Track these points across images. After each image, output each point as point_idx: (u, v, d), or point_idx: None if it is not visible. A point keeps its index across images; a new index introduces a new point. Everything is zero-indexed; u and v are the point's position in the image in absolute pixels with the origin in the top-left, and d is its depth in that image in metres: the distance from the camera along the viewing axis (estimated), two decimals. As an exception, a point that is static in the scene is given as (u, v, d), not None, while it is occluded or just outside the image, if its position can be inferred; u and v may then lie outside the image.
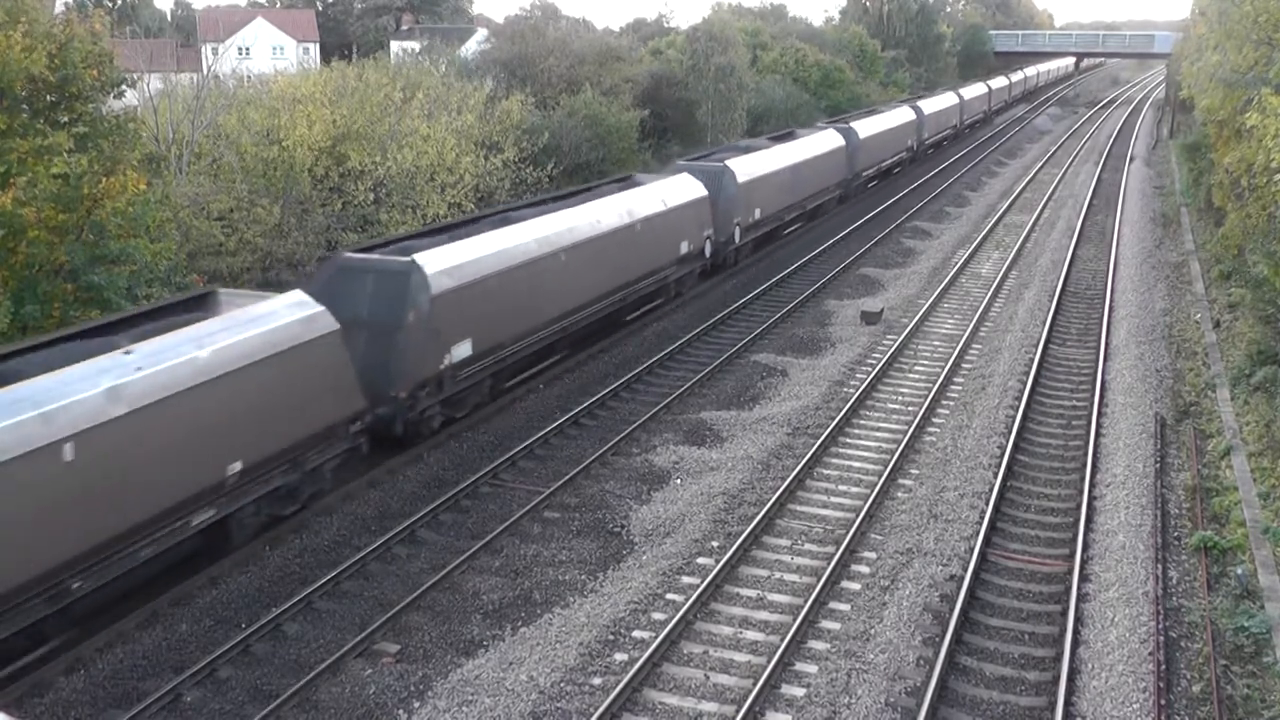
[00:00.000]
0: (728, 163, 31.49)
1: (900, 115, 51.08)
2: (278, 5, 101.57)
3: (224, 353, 14.42)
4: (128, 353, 13.61)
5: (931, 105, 56.90)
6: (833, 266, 33.38)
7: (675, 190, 28.08)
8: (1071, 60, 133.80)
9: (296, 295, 16.64)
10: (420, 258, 18.55)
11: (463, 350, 19.20)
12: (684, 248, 28.03)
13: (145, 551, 13.64)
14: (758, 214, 32.72)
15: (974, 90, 68.66)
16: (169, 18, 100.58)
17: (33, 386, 12.39)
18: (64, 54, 17.56)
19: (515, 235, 21.34)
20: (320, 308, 16.38)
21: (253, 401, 14.81)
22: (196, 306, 16.15)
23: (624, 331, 23.88)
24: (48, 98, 17.75)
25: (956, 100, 63.12)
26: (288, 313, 15.89)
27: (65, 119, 18.05)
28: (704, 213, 29.05)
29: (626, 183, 28.36)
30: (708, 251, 29.72)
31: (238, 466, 14.72)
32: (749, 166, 32.26)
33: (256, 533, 15.78)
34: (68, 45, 17.64)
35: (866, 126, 44.72)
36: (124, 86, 19.80)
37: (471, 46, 63.58)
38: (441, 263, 18.86)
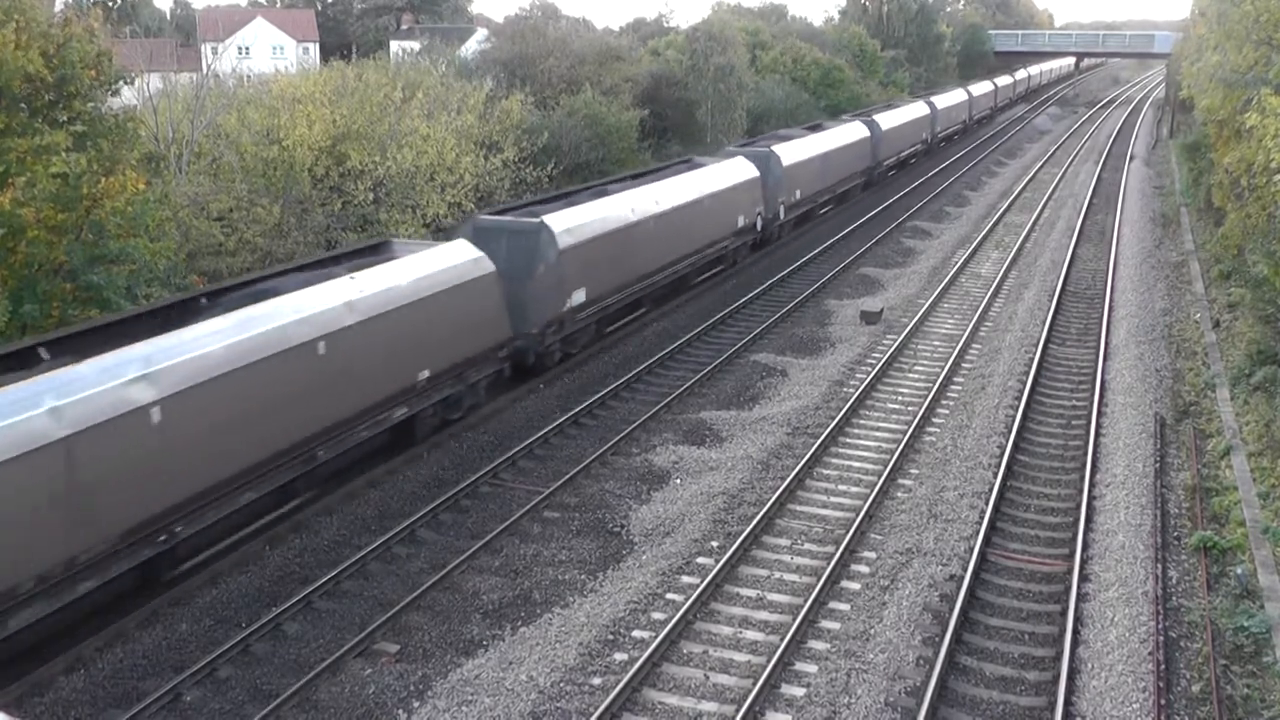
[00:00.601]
0: (773, 148, 35.13)
1: (916, 110, 54.76)
2: (278, 5, 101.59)
3: (419, 283, 18.32)
4: (352, 278, 17.34)
5: (943, 101, 60.63)
6: (833, 266, 33.38)
7: (732, 171, 31.72)
8: (1071, 60, 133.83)
9: (463, 243, 20.39)
10: (548, 219, 22.36)
11: (579, 297, 23.12)
12: (740, 221, 31.83)
13: (364, 433, 17.36)
14: (798, 195, 36.60)
15: (982, 88, 72.65)
16: (169, 17, 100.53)
17: (295, 298, 16.23)
18: (62, 54, 17.55)
19: (615, 204, 25.15)
20: (482, 253, 20.15)
21: (436, 323, 18.48)
22: (378, 251, 20.05)
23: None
24: (46, 97, 17.73)
25: (966, 97, 66.99)
26: (458, 256, 19.76)
27: (64, 118, 18.03)
28: (756, 192, 32.76)
29: (690, 164, 32.00)
30: (758, 226, 33.44)
31: (425, 374, 18.52)
32: (791, 152, 35.92)
33: (431, 433, 19.27)
34: (66, 45, 17.63)
35: (888, 119, 48.48)
36: (121, 84, 19.77)
37: (471, 46, 63.58)
38: (564, 224, 22.67)
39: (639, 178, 29.28)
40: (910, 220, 41.50)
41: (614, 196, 25.59)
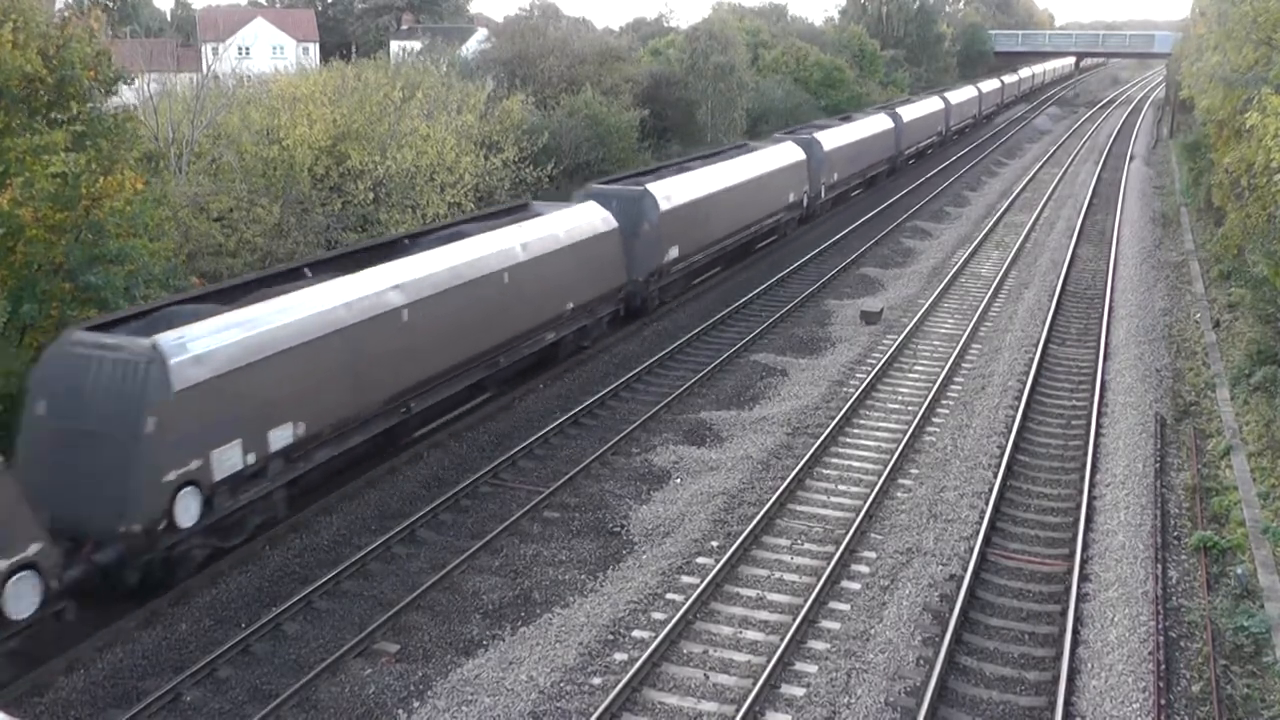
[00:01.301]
0: (815, 135, 39.99)
1: (932, 104, 59.69)
2: (278, 5, 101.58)
3: (569, 232, 23.07)
4: (520, 227, 22.08)
5: (956, 97, 66.27)
6: (833, 266, 33.39)
7: (782, 154, 36.06)
8: (1071, 60, 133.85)
9: (593, 204, 25.20)
10: (650, 186, 26.92)
11: (673, 253, 27.54)
12: (790, 198, 36.36)
13: (527, 349, 21.75)
14: (835, 177, 41.27)
15: (990, 84, 78.94)
16: (169, 17, 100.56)
17: (483, 239, 20.89)
18: (62, 54, 17.54)
19: (699, 177, 29.75)
20: (609, 212, 24.94)
21: (579, 265, 23.01)
22: (524, 209, 24.79)
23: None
24: (44, 97, 17.72)
25: (976, 93, 72.36)
26: (592, 214, 24.65)
27: (63, 118, 18.00)
28: (802, 172, 37.26)
29: (744, 148, 36.22)
30: (804, 203, 38.13)
31: (570, 305, 22.95)
32: (830, 139, 40.70)
33: (568, 356, 23.80)
34: (66, 45, 17.62)
35: (909, 112, 53.15)
36: (120, 84, 19.75)
37: (471, 46, 63.59)
38: (663, 191, 27.09)
39: (708, 158, 33.63)
40: (910, 220, 41.51)
41: (696, 171, 30.27)
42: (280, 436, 15.37)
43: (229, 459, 14.52)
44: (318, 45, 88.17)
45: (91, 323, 15.03)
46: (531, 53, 45.36)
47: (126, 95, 24.43)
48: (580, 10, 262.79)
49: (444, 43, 54.29)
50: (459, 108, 33.97)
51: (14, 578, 11.94)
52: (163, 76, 30.99)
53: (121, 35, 39.64)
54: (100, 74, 18.46)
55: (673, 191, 27.54)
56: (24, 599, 12.06)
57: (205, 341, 14.37)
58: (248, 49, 77.28)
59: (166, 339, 13.96)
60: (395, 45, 74.04)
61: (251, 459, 14.91)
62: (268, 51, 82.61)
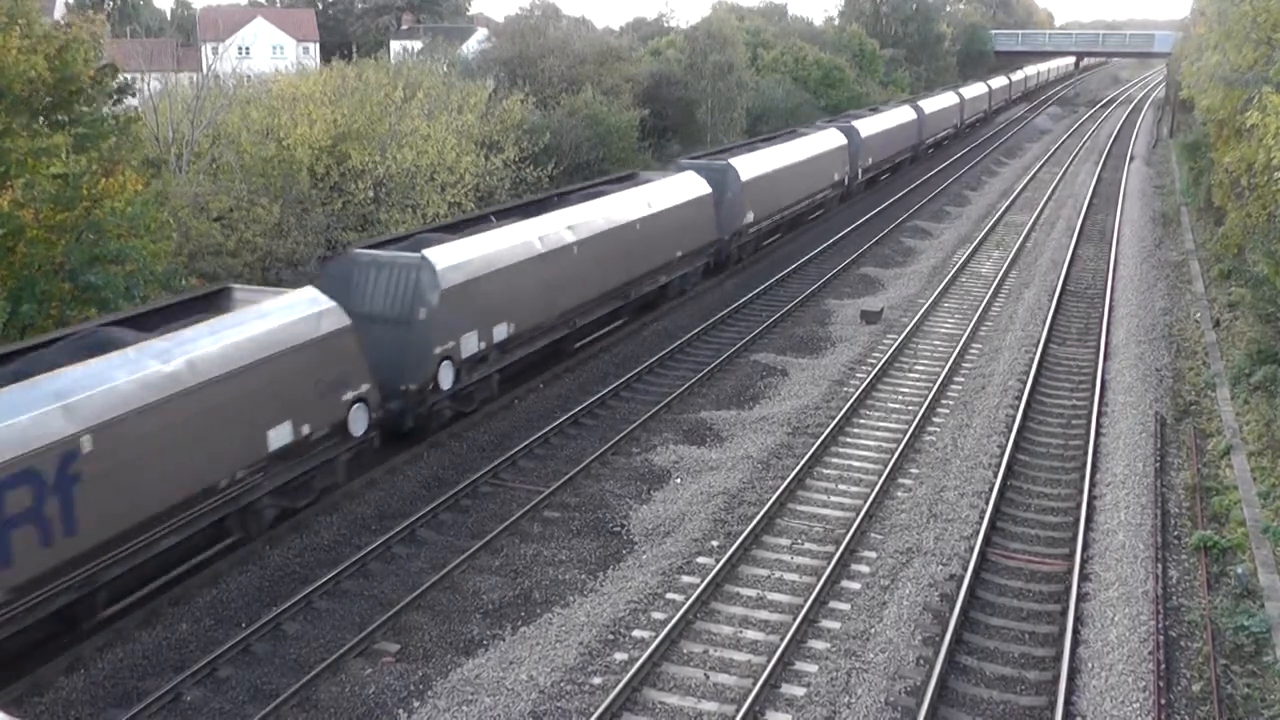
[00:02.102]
0: (854, 123, 44.80)
1: (948, 99, 64.88)
2: (278, 5, 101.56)
3: (679, 194, 28.20)
4: (641, 189, 27.16)
5: (970, 92, 71.76)
6: (833, 266, 33.39)
7: (828, 139, 40.91)
8: (1071, 60, 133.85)
9: (692, 174, 29.79)
10: (733, 161, 31.77)
11: (749, 217, 32.40)
12: (835, 177, 41.37)
13: (648, 285, 26.62)
14: (870, 160, 46.02)
15: (998, 81, 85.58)
16: (169, 17, 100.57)
17: (619, 196, 25.86)
18: (64, 56, 17.55)
19: (767, 155, 34.75)
20: (705, 180, 29.57)
21: (683, 221, 27.98)
22: (634, 178, 29.59)
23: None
24: (46, 99, 17.73)
25: (986, 89, 78.21)
26: (691, 182, 29.38)
27: (65, 119, 18.03)
28: (843, 156, 41.99)
29: (795, 133, 41.50)
30: (846, 182, 42.84)
31: (679, 254, 27.80)
32: (866, 128, 45.45)
33: (674, 296, 28.44)
34: (68, 48, 17.62)
35: (929, 105, 58.52)
36: (124, 94, 19.79)
37: (472, 46, 63.59)
38: (743, 165, 31.98)
39: (769, 140, 39.44)
40: (910, 220, 41.52)
41: (764, 150, 35.40)
42: (500, 332, 20.55)
43: (470, 344, 19.68)
44: (318, 45, 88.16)
45: (367, 242, 20.95)
46: (532, 52, 45.38)
47: (127, 97, 24.44)
48: (580, 10, 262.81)
49: (444, 42, 54.30)
50: (459, 107, 33.98)
51: (355, 405, 16.90)
52: (163, 76, 31.00)
53: (122, 35, 39.64)
54: (102, 79, 18.48)
55: (750, 166, 32.48)
56: (359, 422, 17.12)
57: (454, 258, 19.33)
58: (248, 49, 77.29)
59: (432, 253, 18.93)
60: (395, 45, 74.08)
61: (482, 345, 20.06)
62: (268, 51, 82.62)
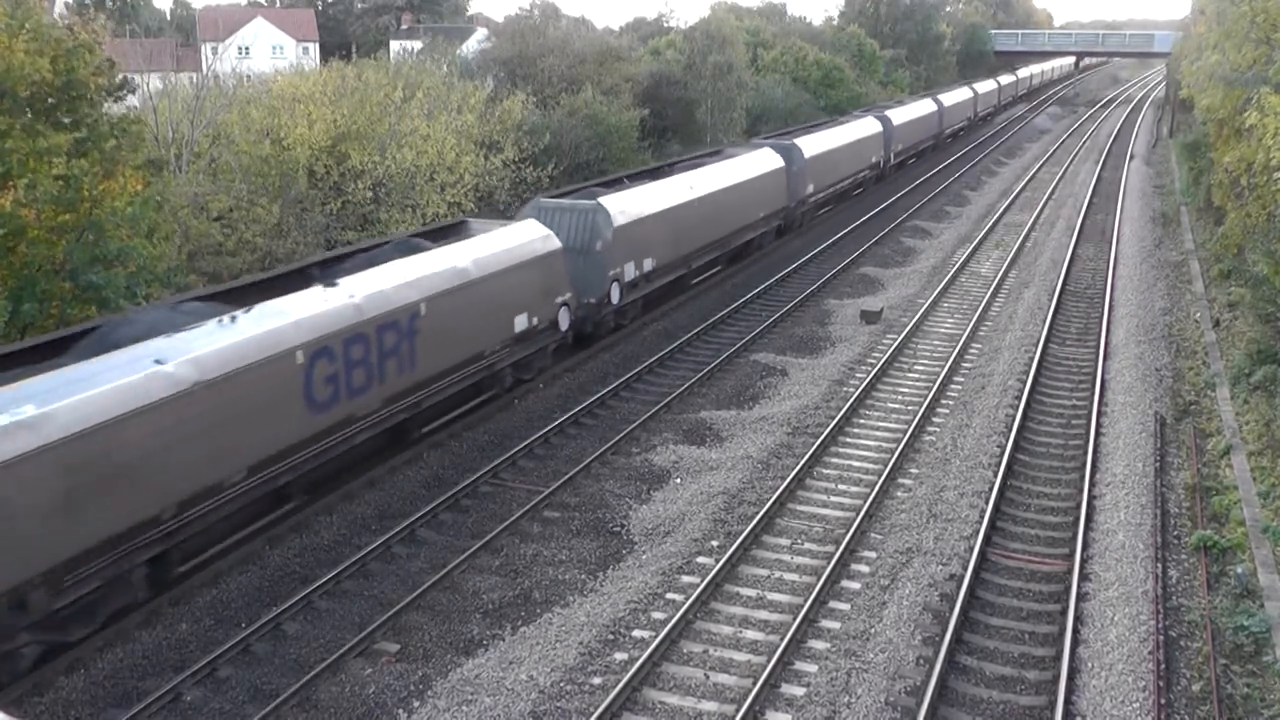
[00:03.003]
0: (887, 113, 50.74)
1: (963, 93, 70.81)
2: (277, 5, 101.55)
3: (757, 168, 33.42)
4: (735, 161, 32.99)
5: (982, 88, 77.83)
6: (833, 266, 33.40)
7: (867, 126, 47.12)
8: (1071, 60, 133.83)
9: (768, 149, 35.28)
10: (798, 142, 37.49)
11: (811, 188, 38.34)
12: (873, 159, 47.28)
13: (737, 240, 32.05)
14: (901, 146, 51.99)
15: (1007, 78, 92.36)
16: (169, 17, 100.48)
17: (722, 166, 31.12)
18: (68, 58, 17.54)
19: (822, 138, 40.55)
20: (779, 156, 35.40)
21: (763, 189, 33.46)
22: (719, 153, 35.13)
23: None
24: (49, 100, 17.72)
25: (996, 85, 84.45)
26: (767, 156, 34.77)
27: (67, 120, 18.01)
28: (879, 141, 47.87)
29: (836, 121, 48.11)
30: (881, 164, 48.67)
31: (762, 214, 33.72)
32: (898, 116, 51.69)
33: (754, 250, 34.17)
34: (73, 51, 17.62)
35: (947, 99, 64.55)
36: (125, 91, 19.77)
37: (471, 46, 63.56)
38: (807, 144, 38.02)
39: (818, 126, 44.94)
40: (910, 220, 41.53)
41: (819, 133, 40.93)
42: (647, 264, 26.29)
43: (629, 271, 25.43)
44: (317, 45, 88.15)
45: (550, 194, 26.50)
46: (531, 52, 45.36)
47: (128, 96, 24.39)
48: (580, 10, 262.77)
49: (444, 42, 54.26)
50: (459, 107, 33.98)
51: (562, 308, 22.61)
52: (163, 76, 30.99)
53: (121, 35, 39.63)
54: (104, 81, 18.47)
55: (811, 145, 38.43)
56: (564, 320, 22.84)
57: (621, 205, 25.34)
58: (247, 49, 77.28)
59: (605, 200, 24.89)
60: (395, 45, 74.05)
61: (636, 273, 25.82)
62: (267, 51, 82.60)
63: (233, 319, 15.15)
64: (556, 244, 22.37)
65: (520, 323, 21.19)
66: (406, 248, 19.65)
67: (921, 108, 57.86)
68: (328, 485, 17.11)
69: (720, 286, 31.22)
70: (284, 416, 15.42)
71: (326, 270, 18.21)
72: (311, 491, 16.74)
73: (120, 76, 19.29)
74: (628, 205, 25.46)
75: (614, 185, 27.74)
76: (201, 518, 14.37)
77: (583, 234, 24.15)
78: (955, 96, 66.95)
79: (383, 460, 18.35)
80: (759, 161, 34.05)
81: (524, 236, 21.74)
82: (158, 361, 13.59)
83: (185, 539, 14.30)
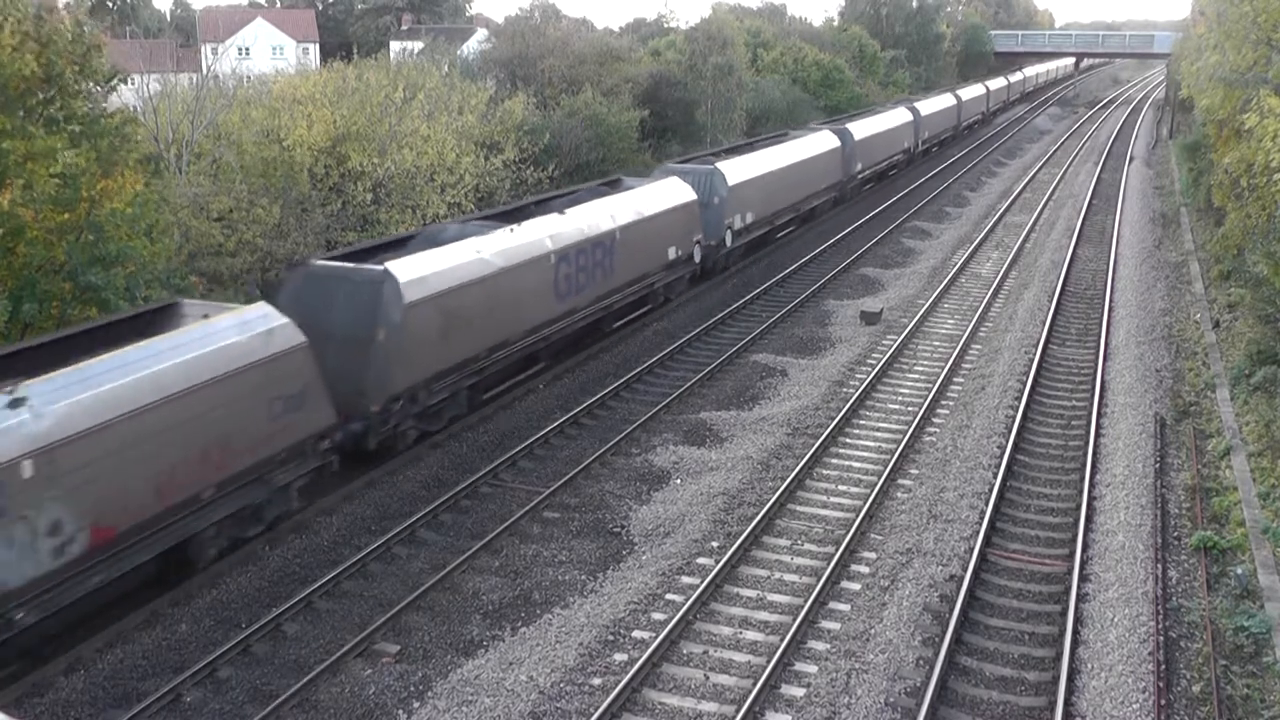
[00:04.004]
0: (916, 104, 56.96)
1: (977, 90, 76.62)
2: (278, 5, 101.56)
3: (820, 146, 39.78)
4: (803, 140, 38.98)
5: (993, 84, 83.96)
6: (832, 266, 33.40)
7: (901, 115, 52.89)
8: (1071, 60, 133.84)
9: (827, 133, 41.43)
10: (849, 125, 44.04)
11: (859, 166, 44.54)
12: (905, 144, 53.18)
13: (807, 205, 38.25)
14: (927, 134, 57.73)
15: (1015, 76, 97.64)
16: (169, 18, 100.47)
17: (794, 143, 37.99)
18: (50, 49, 17.45)
19: (866, 124, 46.73)
20: (838, 139, 41.25)
21: (825, 165, 39.73)
22: (786, 133, 41.69)
23: (617, 337, 27.11)
24: (39, 95, 17.64)
25: (1006, 83, 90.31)
26: (827, 137, 40.65)
27: (60, 117, 17.92)
28: (910, 129, 53.89)
29: (872, 110, 54.85)
30: (911, 150, 54.53)
31: (824, 185, 40.20)
32: (925, 107, 57.89)
33: (815, 218, 40.40)
34: (50, 41, 17.52)
35: (965, 94, 70.16)
36: (116, 81, 19.64)
37: (472, 46, 63.57)
38: (856, 129, 44.08)
39: (861, 114, 51.66)
40: (910, 220, 41.54)
41: (863, 120, 47.56)
42: (750, 217, 32.64)
43: (737, 221, 31.76)
44: (317, 45, 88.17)
45: (680, 158, 34.55)
46: (532, 53, 45.37)
47: (127, 96, 24.36)
48: (580, 10, 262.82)
49: (444, 43, 54.27)
50: (460, 108, 33.97)
51: (695, 245, 29.02)
52: (163, 77, 30.98)
53: (121, 35, 39.62)
54: (88, 68, 18.30)
55: (859, 131, 44.25)
56: (698, 254, 29.28)
57: (733, 170, 31.52)
58: (247, 49, 77.30)
59: (722, 165, 31.30)
60: (395, 45, 74.03)
61: (742, 224, 32.06)
62: (267, 52, 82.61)
63: (513, 230, 21.45)
64: (693, 196, 28.87)
65: (671, 253, 27.61)
66: (597, 193, 26.43)
67: (942, 101, 63.94)
68: (557, 357, 23.52)
69: (720, 287, 31.25)
70: (542, 299, 21.93)
71: (543, 206, 24.71)
72: (550, 358, 23.14)
73: (109, 66, 19.10)
74: (737, 169, 31.91)
75: (718, 156, 34.02)
76: (497, 361, 20.72)
77: (705, 191, 29.98)
78: (971, 92, 73.88)
79: (576, 352, 23.97)
80: (821, 142, 40.33)
81: (672, 189, 28.36)
82: (478, 251, 20.15)
83: (487, 375, 20.72)
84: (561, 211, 23.47)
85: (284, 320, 15.70)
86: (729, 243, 31.44)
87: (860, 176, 44.98)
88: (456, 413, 19.80)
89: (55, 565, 12.25)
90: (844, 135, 42.44)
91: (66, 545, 12.37)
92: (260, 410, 15.03)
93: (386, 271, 17.83)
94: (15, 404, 11.90)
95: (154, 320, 15.34)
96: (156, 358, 13.67)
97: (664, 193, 27.78)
